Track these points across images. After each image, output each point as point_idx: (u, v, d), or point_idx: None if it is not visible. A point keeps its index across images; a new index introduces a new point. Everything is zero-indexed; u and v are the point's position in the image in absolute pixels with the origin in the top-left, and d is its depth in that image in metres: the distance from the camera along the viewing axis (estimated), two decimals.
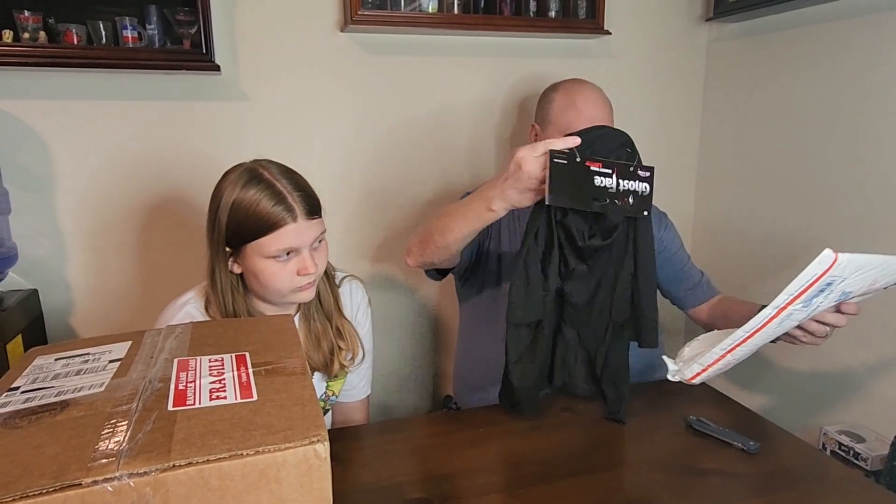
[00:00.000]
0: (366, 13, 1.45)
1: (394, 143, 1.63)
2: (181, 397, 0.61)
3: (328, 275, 1.14)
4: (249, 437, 0.54)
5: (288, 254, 0.99)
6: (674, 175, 1.89)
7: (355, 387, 1.23)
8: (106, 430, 0.55)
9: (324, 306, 1.13)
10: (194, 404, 0.59)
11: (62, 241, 1.42)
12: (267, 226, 0.96)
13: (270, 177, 0.99)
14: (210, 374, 0.66)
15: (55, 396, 0.63)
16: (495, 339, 1.31)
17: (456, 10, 1.54)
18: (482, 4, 1.58)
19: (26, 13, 1.27)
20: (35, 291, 1.40)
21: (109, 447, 0.52)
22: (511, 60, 1.68)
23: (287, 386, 0.64)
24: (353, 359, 1.16)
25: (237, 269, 1.03)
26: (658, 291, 1.38)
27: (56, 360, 0.73)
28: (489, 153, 1.72)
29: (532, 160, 0.91)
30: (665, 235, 1.43)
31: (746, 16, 1.65)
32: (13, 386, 0.66)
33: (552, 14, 1.63)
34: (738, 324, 0.93)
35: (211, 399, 0.60)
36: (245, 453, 0.52)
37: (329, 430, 1.19)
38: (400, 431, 1.07)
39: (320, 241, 1.04)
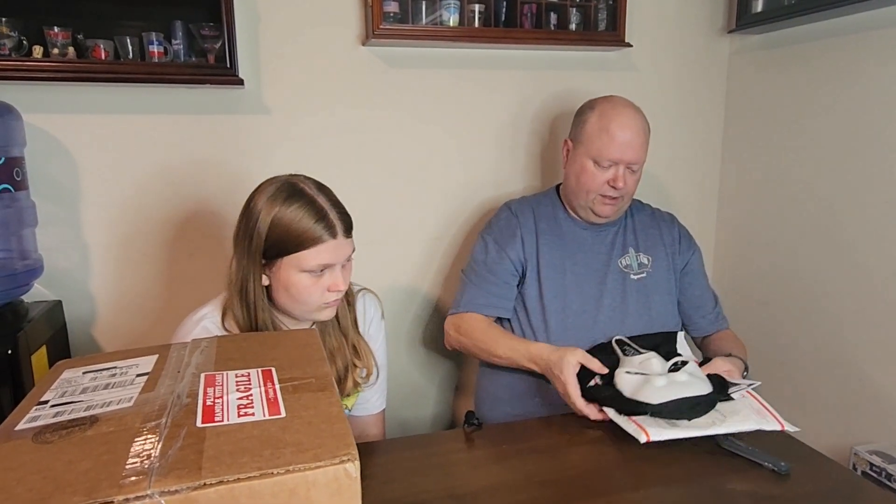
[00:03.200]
0: (387, 27, 1.46)
1: (417, 155, 1.63)
2: (210, 413, 0.60)
3: (350, 293, 1.14)
4: (279, 455, 0.53)
5: (322, 270, 1.01)
6: (696, 187, 1.87)
7: (369, 401, 1.23)
8: (136, 446, 0.55)
9: (340, 323, 1.13)
10: (223, 420, 0.59)
11: (87, 252, 1.43)
12: (309, 240, 0.98)
13: (311, 192, 1.01)
14: (237, 390, 0.66)
15: (84, 411, 0.63)
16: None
17: (477, 24, 1.55)
18: (503, 18, 1.58)
19: (56, 29, 1.29)
20: (59, 303, 1.41)
21: (140, 464, 0.52)
22: (532, 73, 1.67)
23: (315, 402, 0.64)
24: (367, 376, 1.16)
25: (266, 282, 1.04)
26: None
27: (84, 373, 0.73)
28: (517, 165, 1.71)
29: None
30: (693, 259, 1.45)
31: (768, 28, 1.64)
32: (43, 399, 0.66)
33: (573, 27, 1.63)
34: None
35: (239, 415, 0.60)
36: (275, 472, 0.51)
37: None
38: (422, 447, 1.06)
39: (349, 260, 1.06)
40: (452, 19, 1.52)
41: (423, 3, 1.51)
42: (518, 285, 1.38)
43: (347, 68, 1.54)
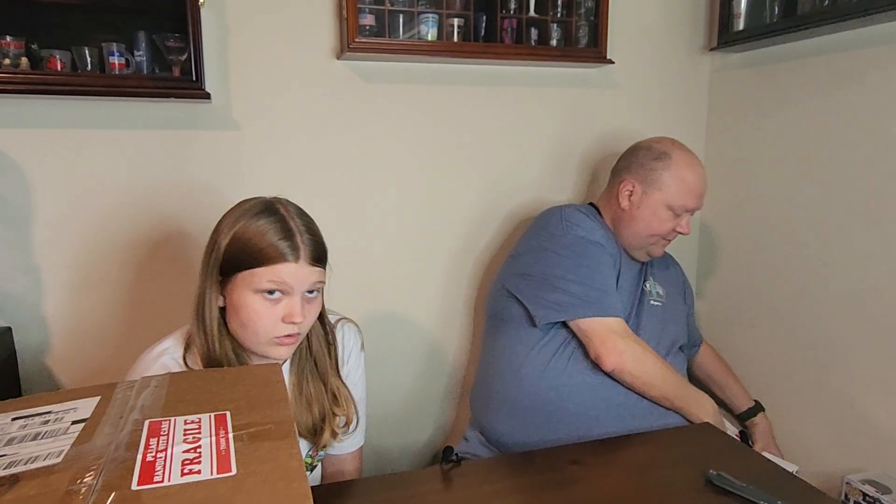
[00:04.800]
0: (363, 41, 1.41)
1: (391, 173, 1.57)
2: (148, 472, 0.53)
3: (326, 329, 1.06)
4: None
5: (277, 294, 0.92)
6: None
7: (346, 438, 1.15)
8: None
9: (318, 366, 1.04)
10: (163, 481, 0.52)
11: (39, 276, 1.34)
12: (267, 257, 0.90)
13: (286, 213, 0.94)
14: (185, 441, 0.58)
15: (5, 468, 0.55)
16: (561, 374, 1.28)
17: (455, 39, 1.50)
18: (482, 33, 1.54)
19: (8, 38, 1.21)
20: (8, 329, 1.31)
21: None
22: (513, 89, 1.63)
23: (272, 454, 0.57)
24: (346, 425, 1.07)
25: (221, 302, 0.96)
26: None
27: (13, 419, 0.65)
28: (495, 182, 1.66)
29: None
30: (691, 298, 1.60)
31: (750, 46, 1.62)
32: None
33: (553, 43, 1.59)
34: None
35: (183, 474, 0.53)
36: None
37: (322, 486, 1.11)
38: (398, 488, 0.99)
39: (315, 293, 0.97)
40: (430, 33, 1.48)
41: (401, 16, 1.46)
42: None
43: (321, 83, 1.47)
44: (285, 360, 1.03)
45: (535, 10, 1.56)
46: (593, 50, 1.61)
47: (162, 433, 0.60)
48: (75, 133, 1.33)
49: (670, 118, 1.78)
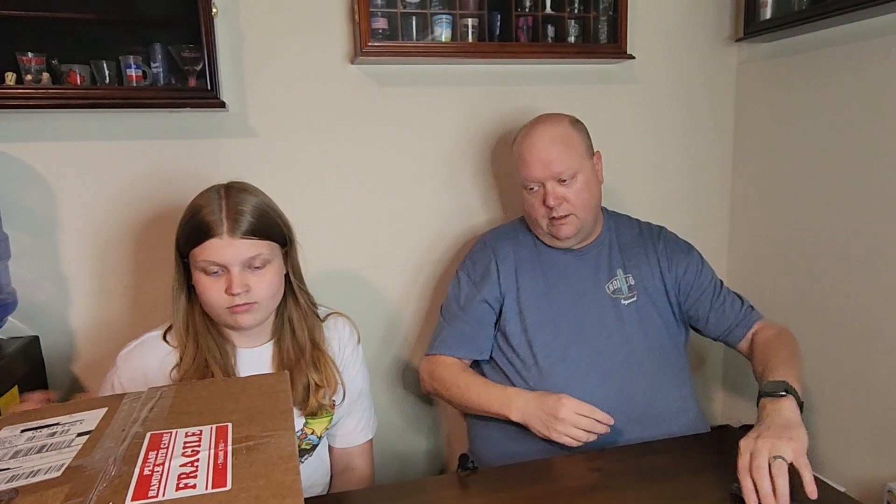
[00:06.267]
0: (376, 44, 1.40)
1: (409, 177, 1.56)
2: (143, 486, 0.53)
3: (298, 297, 1.09)
4: None
5: (217, 271, 0.98)
6: (705, 204, 1.78)
7: (352, 431, 1.16)
8: None
9: (297, 336, 1.08)
10: (157, 496, 0.51)
11: (65, 285, 1.37)
12: (197, 235, 0.97)
13: (224, 193, 1.00)
14: (183, 455, 0.58)
15: (7, 482, 0.55)
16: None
17: (470, 39, 1.48)
18: (497, 32, 1.52)
19: (29, 55, 1.24)
20: (36, 338, 1.35)
21: None
22: (531, 88, 1.60)
23: (268, 469, 0.56)
24: (331, 396, 1.09)
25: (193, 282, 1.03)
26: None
27: (22, 431, 0.66)
28: (512, 187, 1.64)
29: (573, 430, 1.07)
30: (689, 269, 1.34)
31: (778, 35, 1.56)
32: None
33: (571, 39, 1.55)
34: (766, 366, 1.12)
35: (178, 489, 0.53)
36: None
37: (337, 493, 1.11)
38: (413, 495, 0.98)
39: (260, 267, 1.00)
40: (444, 34, 1.46)
41: (414, 18, 1.45)
42: (497, 323, 1.31)
43: (336, 88, 1.47)
44: (269, 339, 1.10)
45: (552, 7, 1.53)
46: (613, 45, 1.57)
47: (162, 446, 0.60)
48: (96, 145, 1.35)
49: (696, 112, 1.73)
